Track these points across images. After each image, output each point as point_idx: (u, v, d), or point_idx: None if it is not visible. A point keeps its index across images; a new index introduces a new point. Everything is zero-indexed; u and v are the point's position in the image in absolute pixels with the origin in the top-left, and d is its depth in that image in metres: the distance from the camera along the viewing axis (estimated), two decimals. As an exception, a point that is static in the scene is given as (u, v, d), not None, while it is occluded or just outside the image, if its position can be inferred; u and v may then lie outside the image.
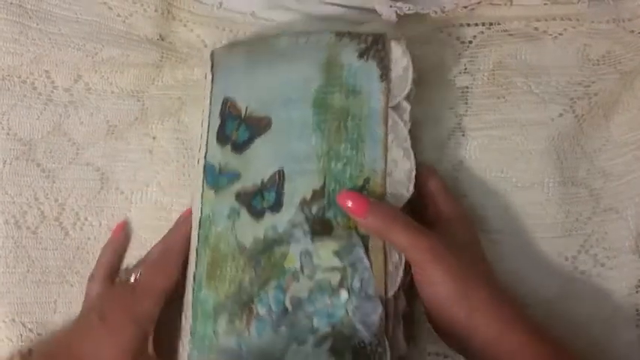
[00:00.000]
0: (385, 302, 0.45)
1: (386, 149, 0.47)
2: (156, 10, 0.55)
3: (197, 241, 0.49)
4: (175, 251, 0.51)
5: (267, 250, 0.47)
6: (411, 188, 0.47)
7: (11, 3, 0.52)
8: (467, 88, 0.55)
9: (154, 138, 0.57)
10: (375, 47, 0.48)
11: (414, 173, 0.47)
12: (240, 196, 0.48)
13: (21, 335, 0.54)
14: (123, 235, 0.56)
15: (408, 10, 0.52)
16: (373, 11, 0.54)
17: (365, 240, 0.46)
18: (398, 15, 0.52)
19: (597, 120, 0.53)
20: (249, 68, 0.51)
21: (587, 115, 0.53)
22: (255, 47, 0.52)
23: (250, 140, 0.49)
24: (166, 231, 0.54)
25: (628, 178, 0.52)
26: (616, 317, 0.51)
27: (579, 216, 0.52)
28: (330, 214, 0.46)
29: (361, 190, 0.46)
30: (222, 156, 0.50)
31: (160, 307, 0.49)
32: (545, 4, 0.52)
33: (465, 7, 0.52)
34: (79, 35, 0.54)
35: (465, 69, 0.55)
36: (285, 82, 0.49)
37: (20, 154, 0.54)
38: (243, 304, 0.46)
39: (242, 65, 0.51)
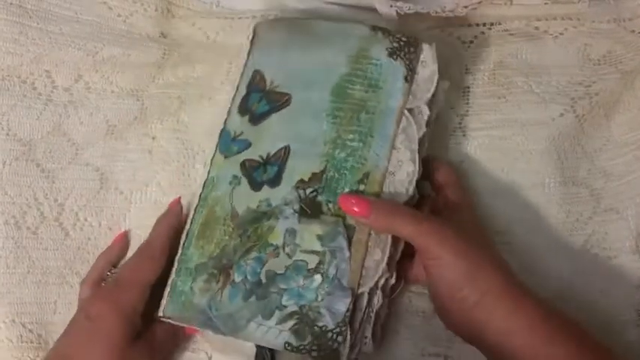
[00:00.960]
0: (356, 295, 0.45)
1: (392, 148, 0.48)
2: (156, 10, 0.55)
3: (198, 200, 0.51)
4: (158, 243, 0.52)
5: (257, 221, 0.48)
6: (411, 191, 0.48)
7: (11, 3, 0.52)
8: (468, 87, 0.55)
9: (153, 138, 0.57)
10: (405, 49, 0.49)
11: (415, 177, 0.48)
12: (244, 166, 0.50)
13: (21, 336, 0.53)
14: (121, 245, 0.56)
15: (409, 9, 0.52)
16: (374, 10, 0.54)
17: (350, 231, 0.46)
18: (398, 14, 0.52)
19: (598, 120, 0.53)
20: (284, 45, 0.52)
21: (588, 115, 0.53)
22: (296, 27, 0.53)
23: (268, 113, 0.51)
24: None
25: (628, 178, 0.52)
26: (616, 317, 0.51)
27: (580, 216, 0.52)
28: (321, 198, 0.47)
29: (359, 184, 0.47)
30: (239, 125, 0.51)
31: (144, 298, 0.50)
32: (545, 3, 0.52)
33: (466, 7, 0.52)
34: (80, 35, 0.54)
35: (466, 69, 0.55)
36: (312, 65, 0.51)
37: (20, 155, 0.54)
38: (222, 268, 0.48)
39: (278, 41, 0.53)
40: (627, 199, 0.52)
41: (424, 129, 0.49)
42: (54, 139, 0.55)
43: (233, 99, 0.52)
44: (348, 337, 0.45)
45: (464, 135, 0.54)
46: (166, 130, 0.57)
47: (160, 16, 0.56)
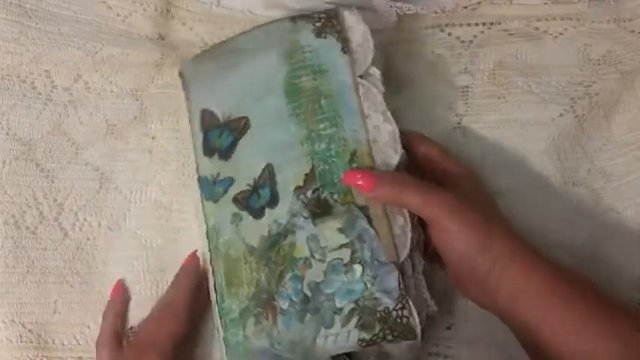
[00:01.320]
0: (400, 264, 0.45)
1: (364, 117, 0.48)
2: (155, 10, 0.55)
3: (209, 254, 0.50)
4: (180, 300, 0.52)
5: (275, 244, 0.47)
6: (399, 149, 0.47)
7: (10, 3, 0.52)
8: (467, 87, 0.55)
9: (153, 138, 0.57)
10: (329, 23, 0.49)
11: (397, 134, 0.47)
12: (237, 200, 0.49)
13: (20, 336, 0.53)
14: (121, 295, 0.55)
15: (408, 10, 0.52)
16: (373, 11, 0.53)
17: (365, 211, 0.46)
18: (398, 14, 0.52)
19: (598, 120, 0.53)
20: (218, 74, 0.52)
21: (588, 115, 0.53)
22: (218, 53, 0.52)
23: (234, 144, 0.50)
24: (166, 231, 0.54)
25: (628, 178, 0.52)
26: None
27: (580, 216, 0.52)
28: (325, 194, 0.47)
29: (350, 164, 0.47)
30: (212, 167, 0.51)
31: (168, 357, 0.49)
32: (545, 3, 0.52)
33: (466, 7, 0.52)
34: (79, 34, 0.54)
35: (465, 68, 0.55)
36: (253, 78, 0.50)
37: (20, 154, 0.54)
38: (265, 303, 0.47)
39: (211, 74, 0.52)
40: (627, 199, 0.52)
41: (382, 89, 0.49)
42: (54, 139, 0.55)
43: (194, 146, 0.52)
44: (412, 307, 0.44)
45: (463, 135, 0.54)
46: (166, 129, 0.57)
47: (159, 16, 0.56)
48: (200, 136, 0.51)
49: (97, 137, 0.56)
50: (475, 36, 0.54)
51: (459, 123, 0.54)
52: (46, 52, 0.53)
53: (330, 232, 0.46)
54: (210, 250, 0.50)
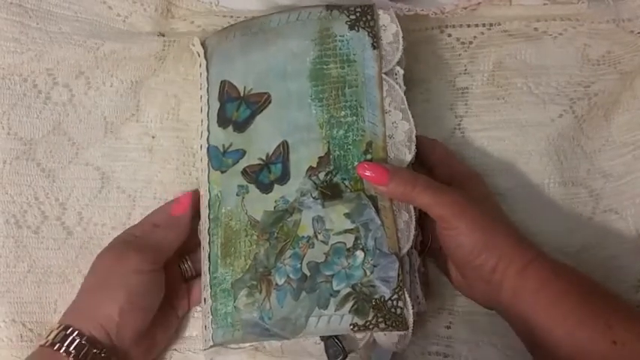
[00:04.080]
0: (400, 258, 0.46)
1: (384, 113, 0.49)
2: (156, 10, 0.55)
3: (208, 223, 0.50)
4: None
5: (279, 220, 0.48)
6: (413, 148, 0.49)
7: (11, 3, 0.53)
8: (466, 88, 0.55)
9: (153, 137, 0.57)
10: (364, 18, 0.50)
11: (414, 134, 0.49)
12: (246, 173, 0.50)
13: (21, 335, 0.53)
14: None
15: (408, 11, 0.52)
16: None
17: (374, 200, 0.47)
18: (398, 15, 0.52)
19: (597, 120, 0.53)
20: (243, 49, 0.52)
21: (587, 115, 0.53)
22: (248, 29, 0.52)
23: (251, 117, 0.50)
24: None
25: (628, 178, 0.52)
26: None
27: (580, 216, 0.52)
28: (337, 179, 0.48)
29: (365, 154, 0.48)
30: (225, 137, 0.51)
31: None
32: (545, 4, 0.52)
33: (465, 8, 0.52)
34: (80, 33, 0.54)
35: (465, 70, 0.55)
36: (280, 58, 0.51)
37: (20, 154, 0.54)
38: (260, 276, 0.47)
39: (236, 47, 0.52)
40: (627, 200, 0.52)
41: (404, 87, 0.50)
42: (54, 139, 0.55)
43: (207, 116, 0.52)
44: (408, 299, 0.45)
45: (463, 136, 0.54)
46: (166, 128, 0.57)
47: (159, 16, 0.56)
48: (216, 106, 0.52)
49: (96, 136, 0.56)
50: (475, 37, 0.54)
51: (459, 124, 0.54)
52: (47, 50, 0.53)
53: (337, 215, 0.47)
54: (209, 219, 0.50)
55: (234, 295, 0.48)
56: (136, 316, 0.48)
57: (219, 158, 0.51)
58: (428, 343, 0.53)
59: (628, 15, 0.52)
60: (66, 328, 0.47)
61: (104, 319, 0.47)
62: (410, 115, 0.49)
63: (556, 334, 0.43)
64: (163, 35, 0.57)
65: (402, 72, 0.50)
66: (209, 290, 0.49)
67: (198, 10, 0.57)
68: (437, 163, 0.51)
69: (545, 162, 0.52)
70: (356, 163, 0.47)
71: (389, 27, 0.50)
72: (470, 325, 0.52)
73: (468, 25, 0.54)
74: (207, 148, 0.51)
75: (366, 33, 0.50)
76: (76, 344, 0.46)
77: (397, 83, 0.50)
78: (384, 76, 0.49)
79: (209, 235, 0.50)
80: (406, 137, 0.49)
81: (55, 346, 0.46)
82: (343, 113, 0.49)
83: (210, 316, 0.48)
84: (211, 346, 0.48)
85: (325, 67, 0.50)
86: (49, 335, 0.47)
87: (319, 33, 0.50)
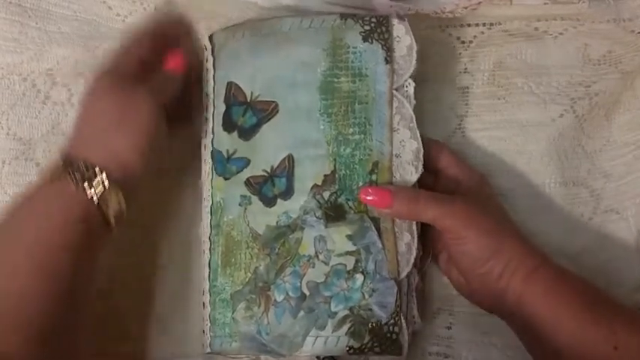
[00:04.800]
0: (399, 282, 0.46)
1: (392, 131, 0.48)
2: (155, 9, 0.55)
3: (209, 229, 0.50)
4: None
5: (281, 236, 0.48)
6: (420, 168, 0.48)
7: (10, 2, 0.53)
8: (467, 88, 0.55)
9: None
10: (378, 29, 0.49)
11: (422, 153, 0.48)
12: (249, 184, 0.49)
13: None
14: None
15: (409, 10, 0.52)
16: (373, 11, 0.53)
17: (376, 222, 0.47)
18: (398, 15, 0.52)
19: (598, 120, 0.53)
20: (252, 52, 0.50)
21: (588, 115, 0.53)
22: (259, 30, 0.51)
23: (257, 126, 0.49)
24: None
25: (628, 178, 0.52)
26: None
27: (580, 216, 0.52)
28: (342, 199, 0.47)
29: (370, 174, 0.48)
30: (229, 143, 0.50)
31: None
32: (545, 3, 0.52)
33: (466, 8, 0.52)
34: (79, 33, 0.54)
35: (466, 69, 0.54)
36: (290, 66, 0.49)
37: (19, 154, 0.54)
38: (259, 291, 0.48)
39: (245, 49, 0.51)
40: (627, 200, 0.52)
41: (414, 102, 0.49)
42: (53, 139, 0.55)
43: (211, 116, 0.51)
44: (404, 324, 0.46)
45: (463, 136, 0.54)
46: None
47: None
48: (222, 108, 0.51)
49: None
50: (475, 36, 0.54)
51: (460, 123, 0.54)
52: (47, 49, 0.53)
53: (340, 237, 0.47)
54: (211, 225, 0.50)
55: (233, 307, 0.48)
56: (152, 156, 0.46)
57: (223, 164, 0.50)
58: (428, 343, 0.53)
59: (629, 15, 0.52)
60: (84, 162, 0.43)
61: (122, 157, 0.45)
62: (418, 134, 0.48)
63: (560, 339, 0.43)
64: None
65: (413, 86, 0.49)
66: (208, 297, 0.49)
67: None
68: (442, 167, 0.51)
69: (546, 162, 0.52)
70: (361, 184, 0.47)
71: (403, 39, 0.49)
72: (470, 325, 0.52)
73: (469, 25, 0.54)
74: (212, 152, 0.51)
75: (380, 46, 0.49)
76: (97, 181, 0.43)
77: (407, 99, 0.49)
78: (394, 92, 0.48)
79: (210, 241, 0.50)
80: (413, 156, 0.48)
81: (75, 182, 0.43)
82: (351, 130, 0.48)
83: (209, 324, 0.49)
84: (209, 353, 0.49)
85: (336, 80, 0.49)
86: (55, 172, 0.44)
87: (332, 43, 0.49)
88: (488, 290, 0.46)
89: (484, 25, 0.54)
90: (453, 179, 0.50)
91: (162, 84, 0.49)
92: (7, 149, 0.53)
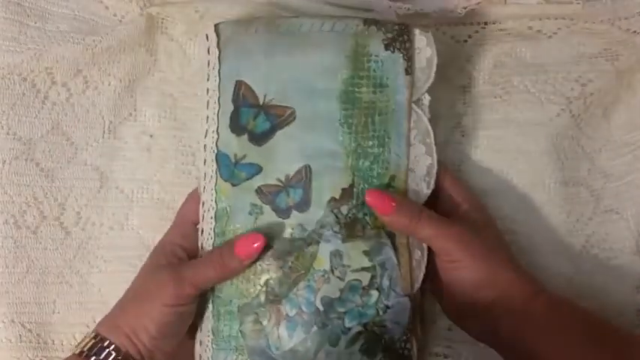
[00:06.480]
0: (413, 299, 0.46)
1: (409, 145, 0.47)
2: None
3: (213, 236, 0.48)
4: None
5: (295, 250, 0.46)
6: (432, 184, 0.48)
7: (9, 1, 0.52)
8: (464, 87, 0.55)
9: (151, 136, 0.57)
10: (400, 38, 0.47)
11: (435, 170, 0.47)
12: (261, 192, 0.47)
13: (20, 336, 0.53)
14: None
15: (408, 10, 0.52)
16: (372, 11, 0.54)
17: (392, 238, 0.46)
18: (397, 14, 0.52)
19: (597, 120, 0.53)
20: (267, 49, 0.47)
21: (584, 114, 0.53)
22: (275, 28, 0.48)
23: (271, 132, 0.47)
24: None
25: (628, 178, 0.52)
26: (616, 317, 0.51)
27: (580, 216, 0.53)
28: (360, 215, 0.46)
29: (387, 188, 0.47)
30: (238, 146, 0.47)
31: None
32: (539, 3, 0.52)
33: (465, 8, 0.52)
34: (77, 31, 0.54)
35: (462, 68, 0.55)
36: (309, 70, 0.47)
37: (19, 154, 0.54)
38: (270, 304, 0.46)
39: (258, 45, 0.48)
40: (627, 200, 0.52)
41: (429, 115, 0.48)
42: (53, 138, 0.55)
43: (217, 116, 0.48)
44: (414, 341, 0.46)
45: (462, 135, 0.54)
46: (164, 127, 0.57)
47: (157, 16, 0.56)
48: (229, 108, 0.48)
49: (95, 136, 0.56)
50: (470, 36, 0.54)
51: (459, 123, 0.54)
52: (46, 49, 0.53)
53: (356, 252, 0.46)
54: (215, 232, 0.48)
55: (241, 320, 0.46)
56: (167, 342, 0.47)
57: (230, 169, 0.47)
58: (427, 344, 0.52)
59: (624, 13, 0.52)
60: (101, 340, 0.45)
61: (136, 338, 0.46)
62: (434, 150, 0.47)
63: None
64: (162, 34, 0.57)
65: (428, 99, 0.48)
66: (211, 308, 0.47)
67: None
68: (444, 188, 0.50)
69: (545, 161, 0.53)
70: (366, 192, 0.46)
71: (424, 50, 0.48)
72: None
73: (463, 24, 0.54)
74: (216, 155, 0.48)
75: (401, 56, 0.47)
76: (111, 359, 0.45)
77: (424, 113, 0.48)
78: (413, 105, 0.47)
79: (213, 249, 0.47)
80: (427, 172, 0.47)
81: (86, 356, 0.45)
82: (371, 143, 0.46)
83: (211, 336, 0.47)
84: None
85: (357, 89, 0.47)
86: (80, 342, 0.46)
87: (354, 49, 0.47)
88: (481, 319, 0.45)
89: (478, 24, 0.54)
90: (452, 202, 0.49)
91: (200, 275, 0.46)
92: (7, 149, 0.53)
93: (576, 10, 0.52)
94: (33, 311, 0.54)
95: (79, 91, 0.56)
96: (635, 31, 0.52)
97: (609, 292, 0.52)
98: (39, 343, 0.54)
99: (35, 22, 0.54)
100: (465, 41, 0.54)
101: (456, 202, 0.49)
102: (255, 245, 0.45)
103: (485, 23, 0.54)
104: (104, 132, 0.56)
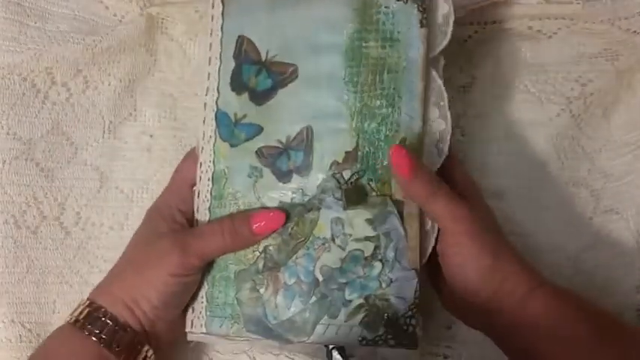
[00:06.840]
0: (420, 273, 0.43)
1: (424, 105, 0.44)
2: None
3: (209, 199, 0.46)
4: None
5: (296, 216, 0.44)
6: (445, 151, 0.45)
7: (9, 1, 0.52)
8: (464, 87, 0.55)
9: (151, 136, 0.57)
10: None
11: (449, 135, 0.45)
12: (261, 154, 0.45)
13: (20, 336, 0.53)
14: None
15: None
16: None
17: (399, 206, 0.44)
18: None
19: (597, 120, 0.53)
20: (270, 5, 0.45)
21: (584, 114, 0.53)
22: None
23: (273, 90, 0.45)
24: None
25: (628, 178, 0.52)
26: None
27: (580, 216, 0.53)
28: (364, 180, 0.44)
29: None
30: (238, 105, 0.45)
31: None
32: (539, 3, 0.52)
33: (474, 10, 0.52)
34: (77, 31, 0.54)
35: (462, 68, 0.55)
36: (313, 24, 0.44)
37: (19, 154, 0.54)
38: (268, 272, 0.44)
39: (261, 1, 0.46)
40: (627, 200, 0.52)
41: (442, 79, 0.45)
42: (53, 138, 0.55)
43: (219, 73, 0.46)
44: (420, 317, 0.43)
45: (462, 135, 0.54)
46: (164, 127, 0.57)
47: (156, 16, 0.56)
48: (230, 65, 0.46)
49: (95, 136, 0.56)
50: (470, 36, 0.54)
51: (459, 123, 0.54)
52: (46, 49, 0.53)
53: (359, 220, 0.44)
54: (212, 195, 0.46)
55: (237, 287, 0.44)
56: (169, 312, 0.46)
57: (230, 129, 0.45)
58: (427, 344, 0.53)
59: (624, 13, 0.52)
60: (97, 308, 0.44)
61: (137, 308, 0.45)
62: (448, 114, 0.44)
63: None
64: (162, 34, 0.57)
65: (443, 62, 0.45)
66: (205, 273, 0.46)
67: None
68: (453, 180, 0.47)
69: (545, 161, 0.53)
70: (385, 163, 0.43)
71: (440, 6, 0.44)
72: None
73: (463, 24, 0.54)
74: (216, 113, 0.46)
75: (416, 7, 0.43)
76: (108, 328, 0.44)
77: (439, 75, 0.44)
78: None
79: (210, 213, 0.46)
80: (440, 138, 0.44)
81: (82, 325, 0.44)
82: (378, 103, 0.43)
83: (205, 302, 0.45)
84: (203, 334, 0.45)
85: (364, 44, 0.43)
86: (74, 311, 0.45)
87: (362, 1, 0.44)
88: (480, 308, 0.43)
89: (478, 24, 0.54)
90: (454, 185, 0.48)
91: (207, 246, 0.45)
92: (7, 149, 0.53)
93: (576, 10, 0.52)
94: (33, 311, 0.54)
95: (79, 91, 0.56)
96: (635, 31, 0.52)
97: (609, 292, 0.52)
98: (39, 343, 0.54)
99: (35, 22, 0.54)
100: (465, 41, 0.54)
101: (457, 187, 0.47)
102: (278, 224, 0.44)
103: (485, 23, 0.54)
104: (104, 132, 0.57)
